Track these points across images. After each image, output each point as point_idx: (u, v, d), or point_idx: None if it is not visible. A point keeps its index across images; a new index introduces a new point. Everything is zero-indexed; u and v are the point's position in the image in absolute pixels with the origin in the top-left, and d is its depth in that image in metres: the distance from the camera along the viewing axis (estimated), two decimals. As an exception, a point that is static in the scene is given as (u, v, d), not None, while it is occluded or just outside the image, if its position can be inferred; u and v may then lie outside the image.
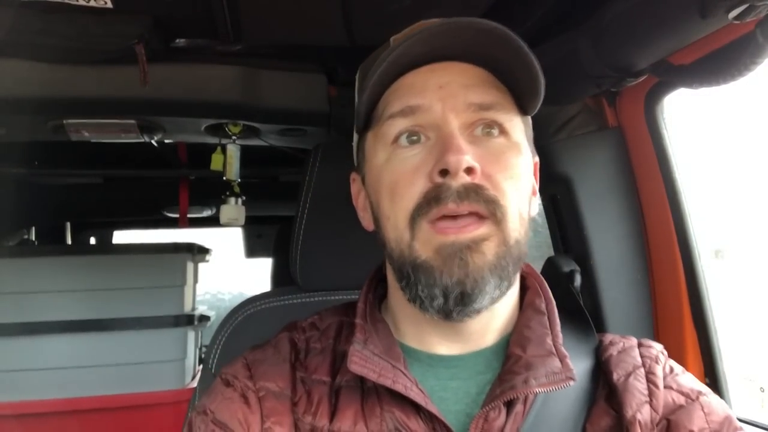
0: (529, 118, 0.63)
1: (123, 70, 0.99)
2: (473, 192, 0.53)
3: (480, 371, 0.59)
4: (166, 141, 1.57)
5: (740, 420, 0.89)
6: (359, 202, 0.67)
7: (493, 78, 0.58)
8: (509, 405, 0.56)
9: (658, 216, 0.97)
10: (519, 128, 0.59)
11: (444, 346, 0.61)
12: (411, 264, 0.55)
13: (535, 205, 0.64)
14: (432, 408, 0.54)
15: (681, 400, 0.57)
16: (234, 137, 1.38)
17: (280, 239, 2.39)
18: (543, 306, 0.62)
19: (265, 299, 0.90)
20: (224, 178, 1.47)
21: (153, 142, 1.39)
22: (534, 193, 0.63)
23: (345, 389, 0.59)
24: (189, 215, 2.16)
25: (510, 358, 0.58)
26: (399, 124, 0.56)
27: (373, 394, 0.57)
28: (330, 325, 0.66)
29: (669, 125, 0.94)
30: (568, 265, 0.93)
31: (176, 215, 2.16)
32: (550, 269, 0.95)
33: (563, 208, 1.05)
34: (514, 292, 0.62)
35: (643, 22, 0.71)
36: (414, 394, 0.55)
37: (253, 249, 2.82)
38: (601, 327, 0.97)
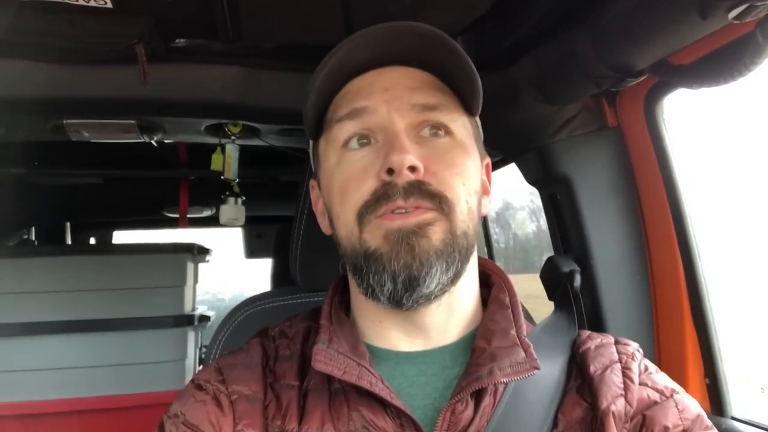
0: (477, 120, 0.66)
1: (123, 70, 0.99)
2: (417, 189, 0.56)
3: (447, 366, 0.61)
4: (166, 141, 1.57)
5: (740, 420, 0.90)
6: (318, 208, 0.69)
7: (437, 81, 0.61)
8: (478, 398, 0.58)
9: (658, 216, 0.97)
10: (464, 129, 0.62)
11: (407, 342, 0.62)
12: (362, 254, 0.57)
13: (487, 204, 0.66)
14: (398, 402, 0.55)
15: (656, 396, 0.59)
16: (234, 137, 1.38)
17: (280, 239, 2.39)
18: (507, 300, 0.64)
19: (265, 299, 0.90)
20: (222, 177, 1.47)
21: (153, 142, 1.39)
22: (486, 193, 0.66)
23: (312, 392, 0.59)
24: (189, 215, 2.16)
25: (475, 351, 0.60)
26: (348, 127, 0.59)
27: (341, 395, 0.58)
28: (298, 332, 0.67)
29: (670, 125, 0.94)
30: (568, 265, 0.93)
31: (176, 215, 2.16)
32: (550, 269, 0.95)
33: (563, 208, 1.05)
34: (472, 288, 0.65)
35: (643, 22, 0.71)
36: (379, 390, 0.55)
37: (253, 249, 2.82)
38: (601, 327, 0.97)
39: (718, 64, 0.67)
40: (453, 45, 0.57)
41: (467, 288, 0.63)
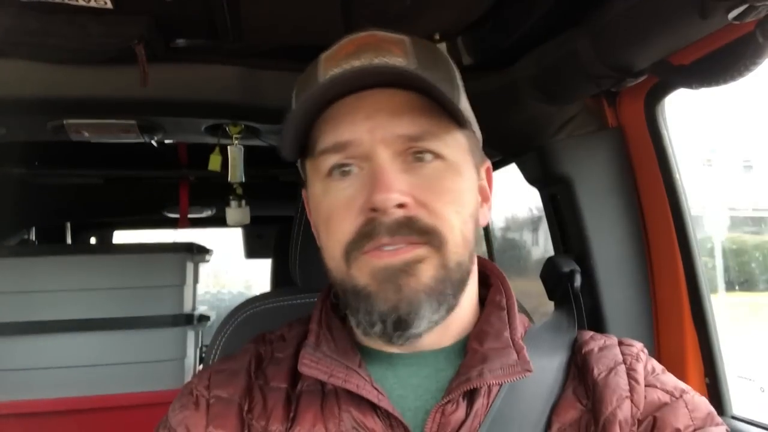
0: (471, 131, 0.62)
1: (123, 70, 0.99)
2: (405, 226, 0.53)
3: (441, 368, 0.60)
4: (166, 141, 1.57)
5: (741, 419, 0.90)
6: (312, 220, 0.66)
7: (423, 100, 0.56)
8: (471, 399, 0.57)
9: (658, 216, 0.97)
10: (457, 146, 0.58)
11: (400, 349, 0.61)
12: (351, 290, 0.56)
13: (486, 214, 0.64)
14: (385, 404, 0.55)
15: (665, 398, 0.58)
16: (234, 138, 1.38)
17: (280, 239, 2.39)
18: (503, 302, 0.64)
19: (265, 300, 0.90)
20: (229, 180, 1.47)
21: (153, 142, 1.39)
22: (486, 200, 0.64)
23: (305, 394, 0.60)
24: (189, 215, 2.16)
25: (468, 352, 0.59)
26: (331, 159, 0.57)
27: (332, 397, 0.58)
28: (295, 335, 0.67)
29: (669, 125, 0.94)
30: (568, 265, 0.93)
31: (177, 215, 2.16)
32: (550, 269, 0.95)
33: (563, 208, 1.05)
34: (470, 300, 0.63)
35: (643, 22, 0.71)
36: (366, 392, 0.55)
37: (253, 249, 2.82)
38: (601, 327, 0.97)
39: (718, 64, 0.67)
40: (415, 76, 0.54)
41: (465, 302, 0.62)
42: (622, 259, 0.99)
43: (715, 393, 0.92)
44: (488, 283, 0.67)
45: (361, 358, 0.60)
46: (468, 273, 0.59)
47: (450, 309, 0.57)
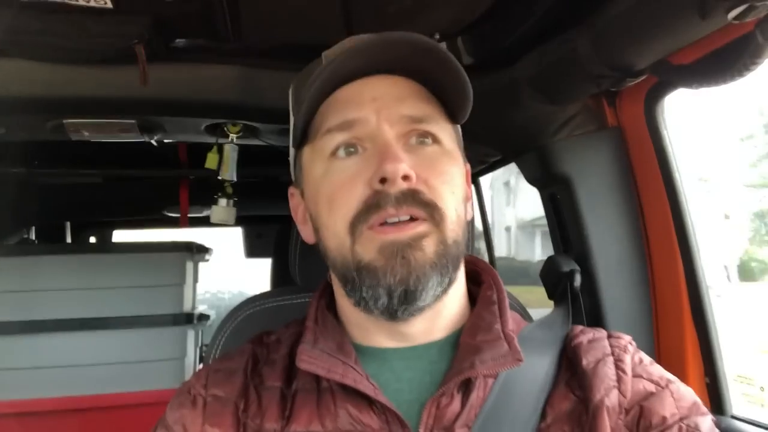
0: (458, 127, 0.66)
1: (123, 70, 0.99)
2: (410, 197, 0.56)
3: (433, 361, 0.61)
4: (166, 141, 1.57)
5: (740, 419, 0.90)
6: (299, 215, 0.69)
7: (423, 90, 0.61)
8: (466, 392, 0.58)
9: (658, 216, 0.97)
10: (450, 137, 0.62)
11: (393, 342, 0.63)
12: (355, 267, 0.57)
13: (470, 210, 0.66)
14: (382, 398, 0.56)
15: (651, 387, 0.59)
16: (233, 137, 1.38)
17: (280, 239, 2.39)
18: (494, 296, 0.65)
19: (265, 299, 0.90)
20: (218, 177, 1.47)
21: (153, 142, 1.39)
22: (468, 199, 0.66)
23: (301, 392, 0.60)
24: (189, 215, 2.16)
25: (460, 346, 0.61)
26: (337, 138, 0.59)
27: (328, 394, 0.59)
28: (290, 335, 0.67)
29: (669, 125, 0.94)
30: (568, 265, 0.93)
31: (177, 215, 2.16)
32: (550, 269, 0.95)
33: (563, 208, 1.05)
34: (459, 290, 0.65)
35: (643, 22, 0.71)
36: (363, 387, 0.56)
37: (253, 249, 2.82)
38: (601, 327, 0.97)
39: (718, 64, 0.67)
40: (446, 54, 0.57)
41: (454, 293, 0.63)
42: (622, 258, 0.99)
43: (714, 392, 0.92)
44: (480, 280, 0.68)
45: (356, 355, 0.61)
46: (462, 255, 0.61)
47: (450, 283, 0.59)
